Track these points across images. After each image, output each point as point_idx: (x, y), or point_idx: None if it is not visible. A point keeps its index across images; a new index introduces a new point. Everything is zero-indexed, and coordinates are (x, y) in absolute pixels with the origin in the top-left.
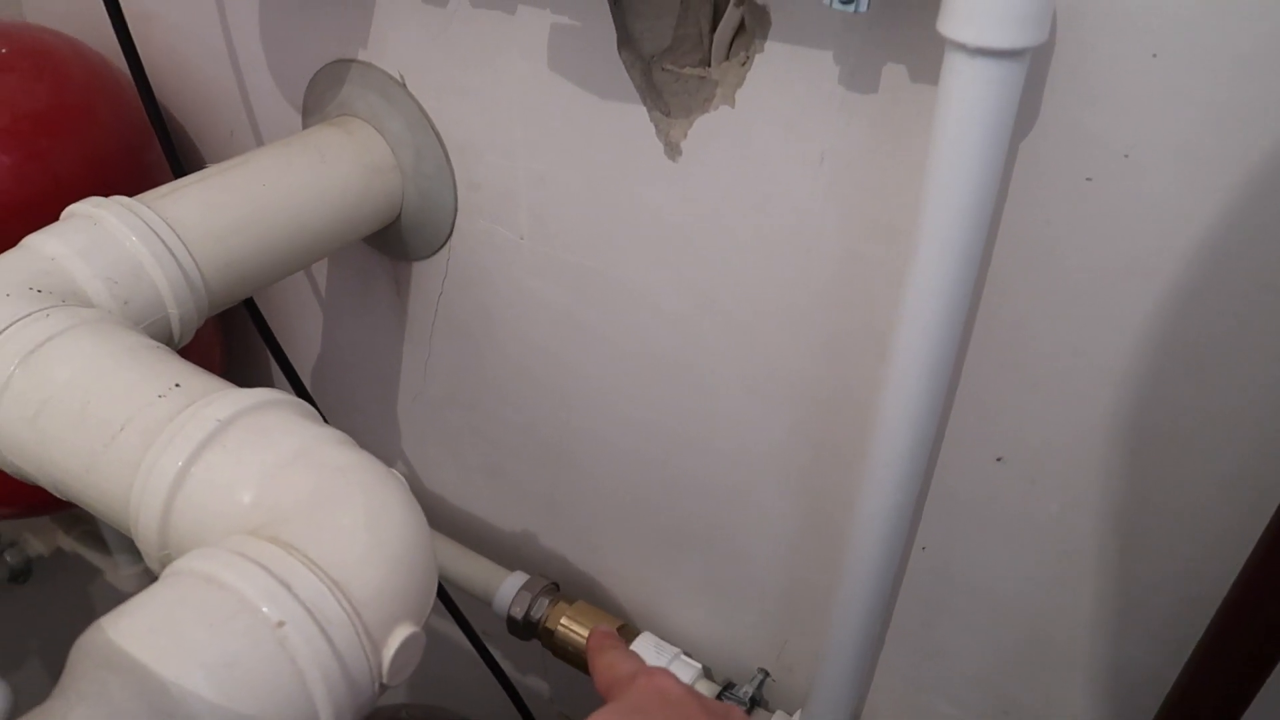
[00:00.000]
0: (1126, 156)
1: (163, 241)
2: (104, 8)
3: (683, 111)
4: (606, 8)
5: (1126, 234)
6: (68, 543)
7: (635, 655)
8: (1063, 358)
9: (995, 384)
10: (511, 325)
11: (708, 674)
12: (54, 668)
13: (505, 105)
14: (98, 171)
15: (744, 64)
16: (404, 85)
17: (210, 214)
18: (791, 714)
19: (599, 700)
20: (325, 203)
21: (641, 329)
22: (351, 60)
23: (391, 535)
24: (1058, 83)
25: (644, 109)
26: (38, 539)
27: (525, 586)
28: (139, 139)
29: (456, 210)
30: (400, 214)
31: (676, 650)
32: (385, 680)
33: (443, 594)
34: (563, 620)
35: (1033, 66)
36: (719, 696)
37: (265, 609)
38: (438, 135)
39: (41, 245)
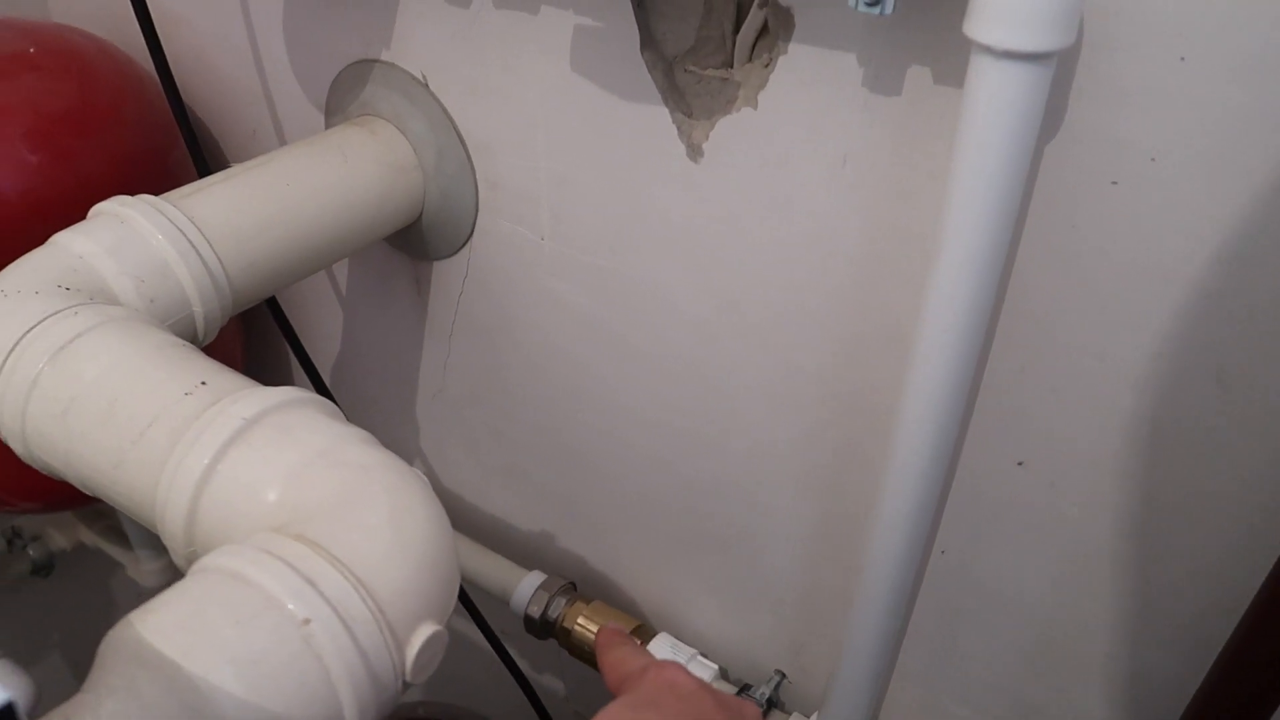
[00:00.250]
0: (1153, 160)
1: (188, 240)
2: (129, 8)
3: (705, 113)
4: (630, 9)
5: (1151, 238)
6: (89, 537)
7: (645, 650)
8: (1085, 361)
9: (1017, 387)
10: (531, 325)
11: (724, 675)
12: (74, 660)
13: (527, 106)
14: (123, 171)
15: (767, 66)
16: (426, 85)
17: (235, 213)
18: (808, 716)
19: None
20: (348, 203)
21: (660, 330)
22: (374, 60)
23: (415, 534)
24: (1084, 85)
25: (666, 110)
26: (60, 533)
27: (543, 586)
28: (164, 138)
29: (477, 210)
30: (422, 213)
31: (693, 651)
32: (408, 678)
33: (460, 592)
34: (579, 620)
35: (1059, 69)
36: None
37: (291, 606)
38: (459, 135)
39: (70, 243)
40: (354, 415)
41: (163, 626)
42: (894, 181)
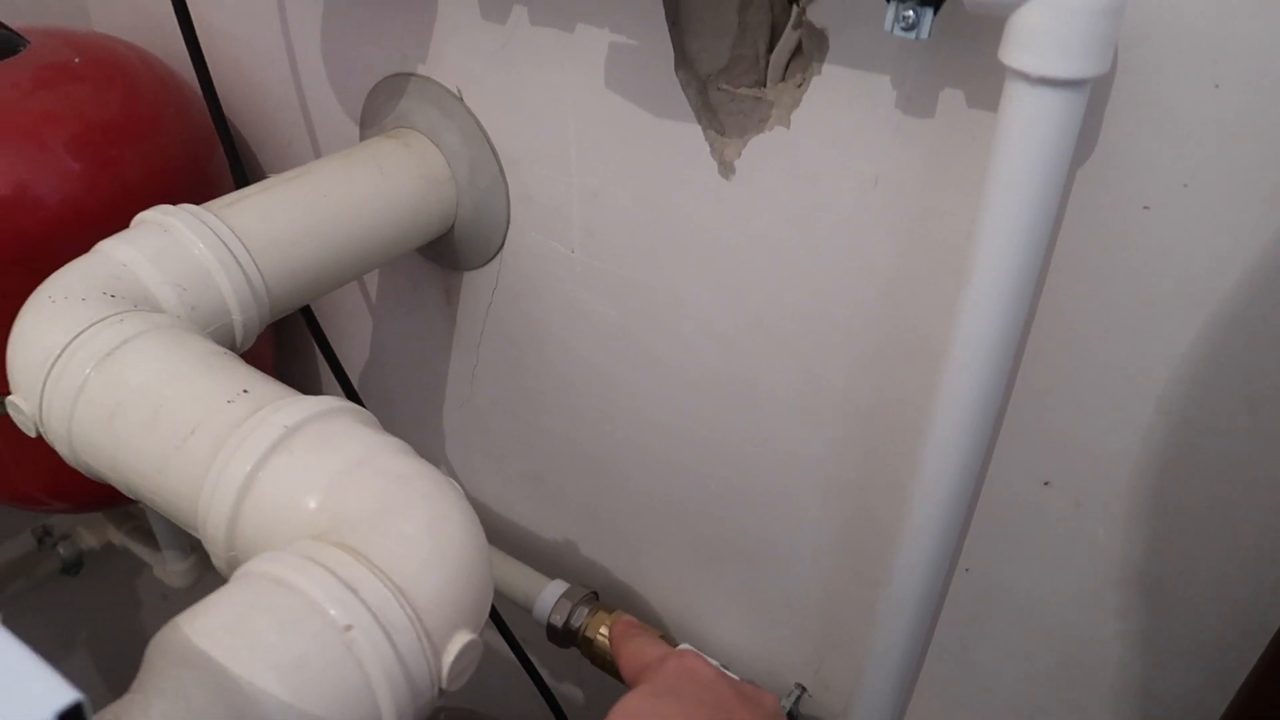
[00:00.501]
0: (1185, 186)
1: (229, 250)
2: (170, 18)
3: (737, 131)
4: (664, 27)
5: (1182, 261)
6: (118, 537)
7: (661, 641)
8: (1114, 381)
9: (1045, 407)
10: (559, 336)
11: None
12: (100, 658)
13: (561, 121)
14: (163, 180)
15: (800, 85)
16: (461, 99)
17: (273, 223)
18: None
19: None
20: (383, 214)
21: (688, 343)
22: (410, 74)
23: (451, 544)
24: (1118, 111)
25: (699, 127)
26: (90, 533)
27: (565, 595)
28: (202, 148)
29: (509, 222)
30: (454, 225)
31: (717, 663)
32: (444, 685)
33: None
34: (601, 630)
35: (1093, 94)
36: None
37: (333, 612)
38: (493, 149)
39: (114, 251)
40: (382, 422)
41: (210, 630)
42: (925, 201)
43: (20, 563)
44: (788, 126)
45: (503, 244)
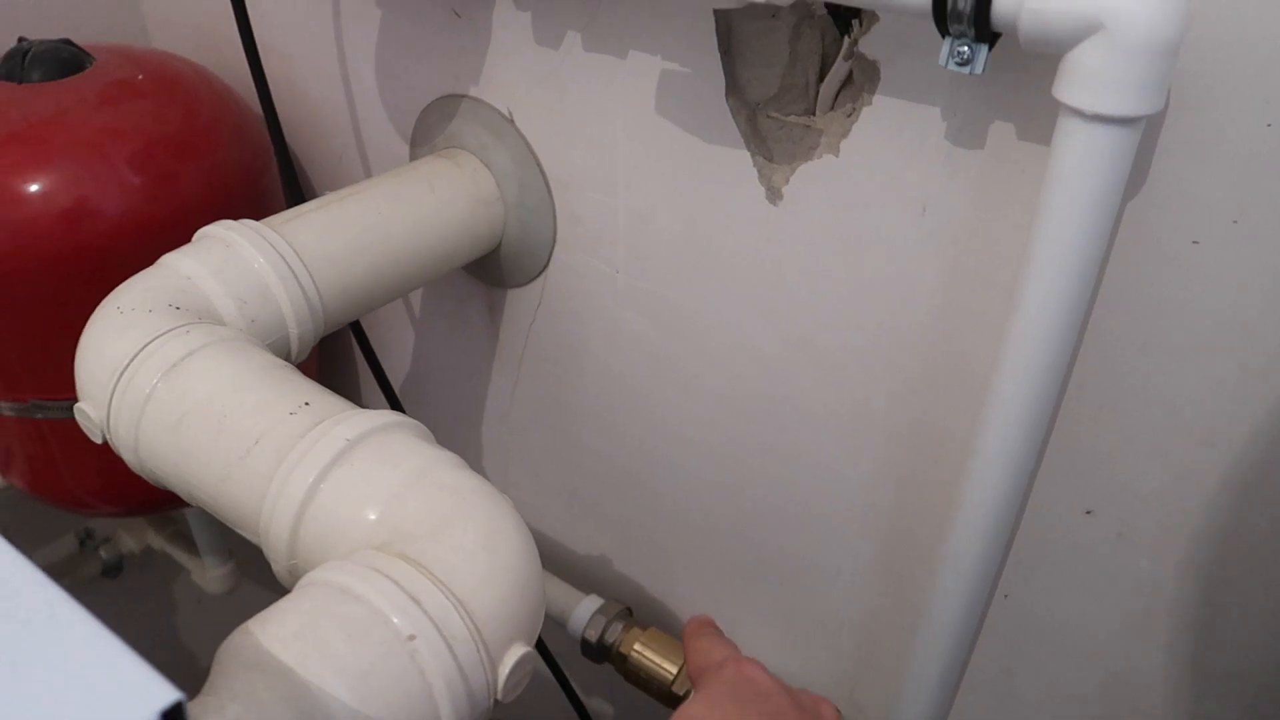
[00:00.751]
0: (1235, 222)
1: (288, 265)
2: (226, 35)
3: (786, 158)
4: (716, 55)
5: (1230, 297)
6: (158, 541)
7: (729, 644)
8: (1158, 415)
9: (1089, 437)
10: (601, 355)
11: None
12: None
13: (610, 144)
14: (219, 194)
15: (850, 115)
16: (512, 121)
17: (330, 240)
18: None
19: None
20: (433, 232)
21: (730, 365)
22: (463, 95)
23: (508, 558)
24: (1169, 147)
25: (747, 154)
26: (130, 536)
27: (600, 610)
28: (257, 163)
29: (554, 242)
30: (500, 243)
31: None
32: (500, 697)
33: None
34: (636, 646)
35: (1146, 130)
36: None
37: (397, 621)
38: (542, 170)
39: (179, 264)
40: None
41: (281, 636)
42: (973, 230)
43: (63, 564)
44: (836, 154)
45: (548, 263)
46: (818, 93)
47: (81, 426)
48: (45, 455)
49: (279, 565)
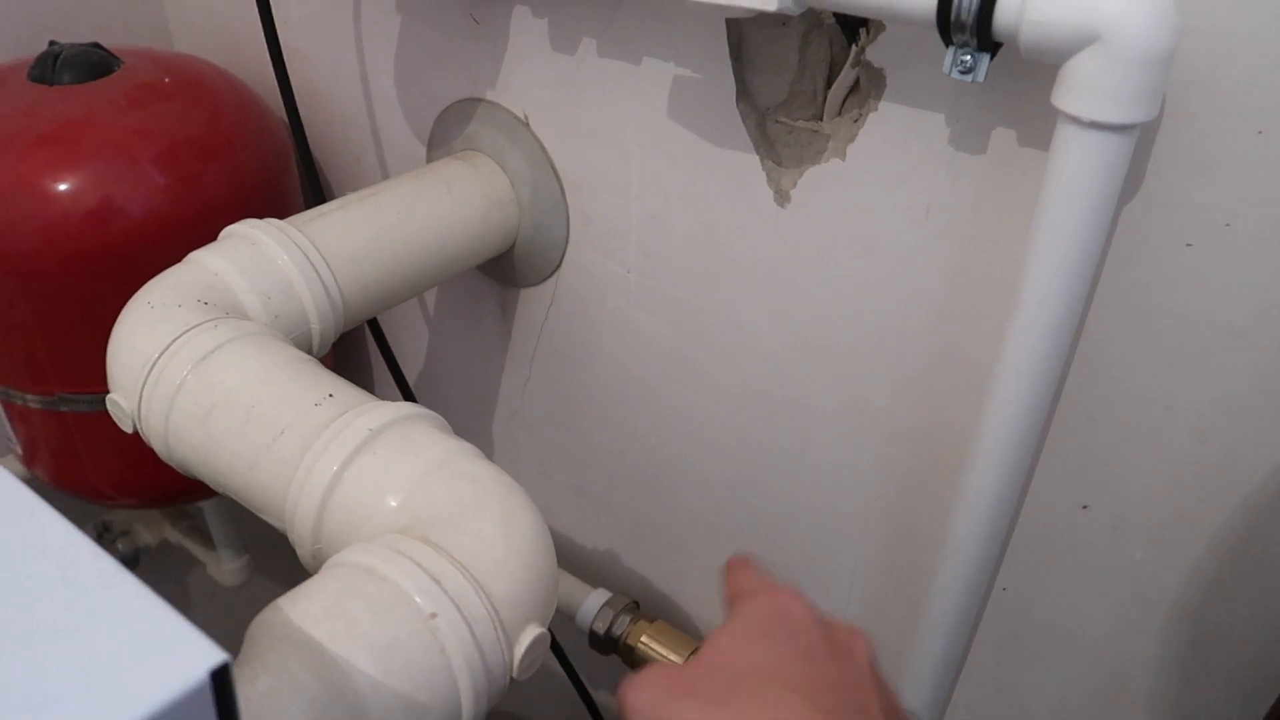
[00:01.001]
0: (1228, 226)
1: (310, 262)
2: (248, 40)
3: (794, 162)
4: (727, 62)
5: (1223, 299)
6: (174, 535)
7: (768, 578)
8: (1154, 413)
9: (1085, 434)
10: (611, 354)
11: None
12: None
13: (623, 147)
14: (242, 194)
15: (856, 121)
16: (527, 125)
17: (350, 239)
18: None
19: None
20: (450, 232)
21: (739, 363)
22: (480, 99)
23: (523, 542)
24: (1163, 153)
25: (756, 158)
26: (147, 530)
27: (608, 604)
28: (278, 164)
29: (567, 242)
30: (515, 244)
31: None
32: (515, 674)
33: None
34: (643, 638)
35: (1141, 137)
36: None
37: (420, 601)
38: (556, 172)
39: (206, 260)
40: None
41: (311, 612)
42: (975, 233)
43: None
44: (843, 159)
45: (560, 263)
46: (825, 99)
47: (113, 416)
48: (69, 448)
49: (304, 550)
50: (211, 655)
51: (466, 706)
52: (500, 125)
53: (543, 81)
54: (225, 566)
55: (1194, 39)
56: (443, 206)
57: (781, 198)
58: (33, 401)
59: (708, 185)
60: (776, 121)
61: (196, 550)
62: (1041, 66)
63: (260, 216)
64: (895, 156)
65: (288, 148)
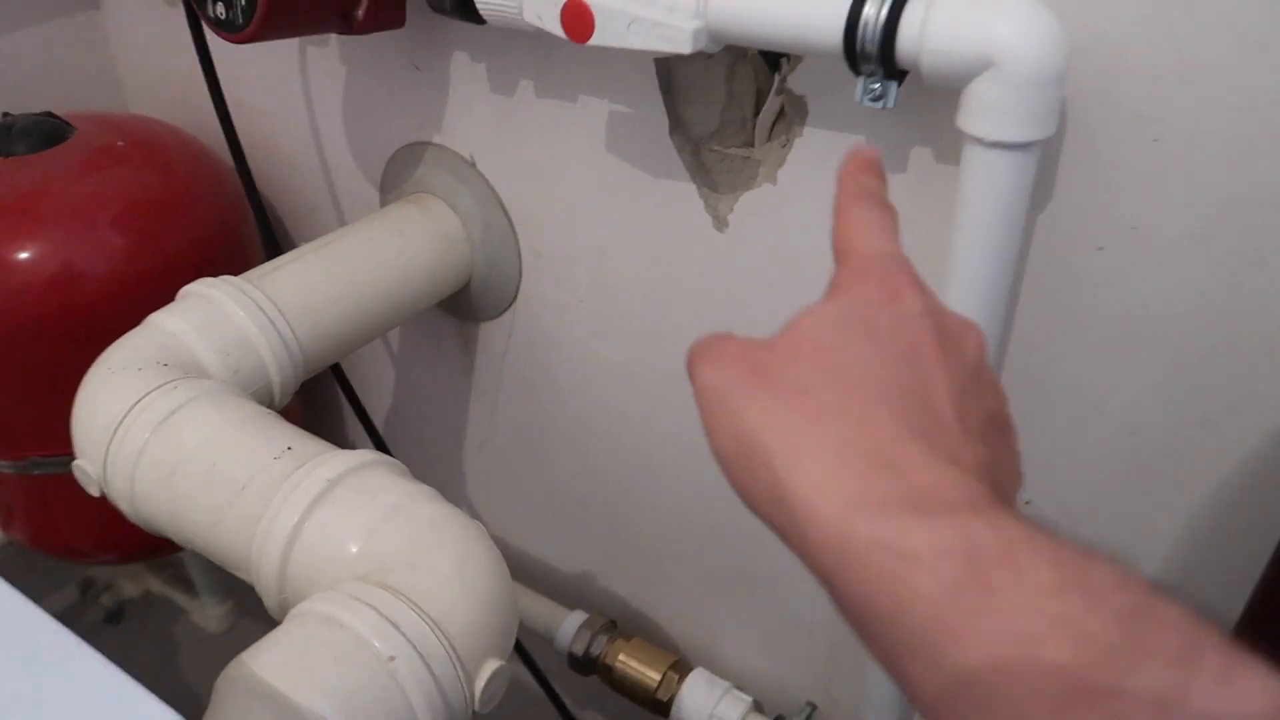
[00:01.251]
0: (1134, 229)
1: (267, 316)
2: (201, 96)
3: (729, 188)
4: (658, 97)
5: (1136, 297)
6: (157, 585)
7: (892, 225)
8: (1083, 408)
9: (1022, 433)
10: (572, 379)
11: (758, 708)
12: None
13: (566, 182)
14: (200, 249)
15: (784, 146)
16: (474, 165)
17: (306, 290)
18: None
19: None
20: (405, 275)
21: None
22: (427, 143)
23: (479, 581)
24: (1069, 164)
25: (693, 186)
26: (130, 583)
27: (585, 624)
28: (235, 217)
29: (521, 276)
30: (470, 280)
31: (728, 684)
32: (476, 708)
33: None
34: (620, 657)
35: (1046, 150)
36: None
37: (379, 645)
38: (504, 210)
39: (164, 322)
40: (407, 464)
41: (273, 663)
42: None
43: (66, 613)
44: (774, 183)
45: (515, 296)
46: (755, 126)
47: (80, 481)
48: (44, 509)
49: (270, 600)
50: None
51: None
52: (448, 167)
53: (486, 123)
54: (210, 613)
55: (1088, 58)
56: (396, 250)
57: (719, 223)
58: (5, 466)
59: (649, 215)
60: (710, 150)
61: (180, 599)
62: (946, 91)
63: (220, 270)
64: (823, 178)
65: (244, 200)
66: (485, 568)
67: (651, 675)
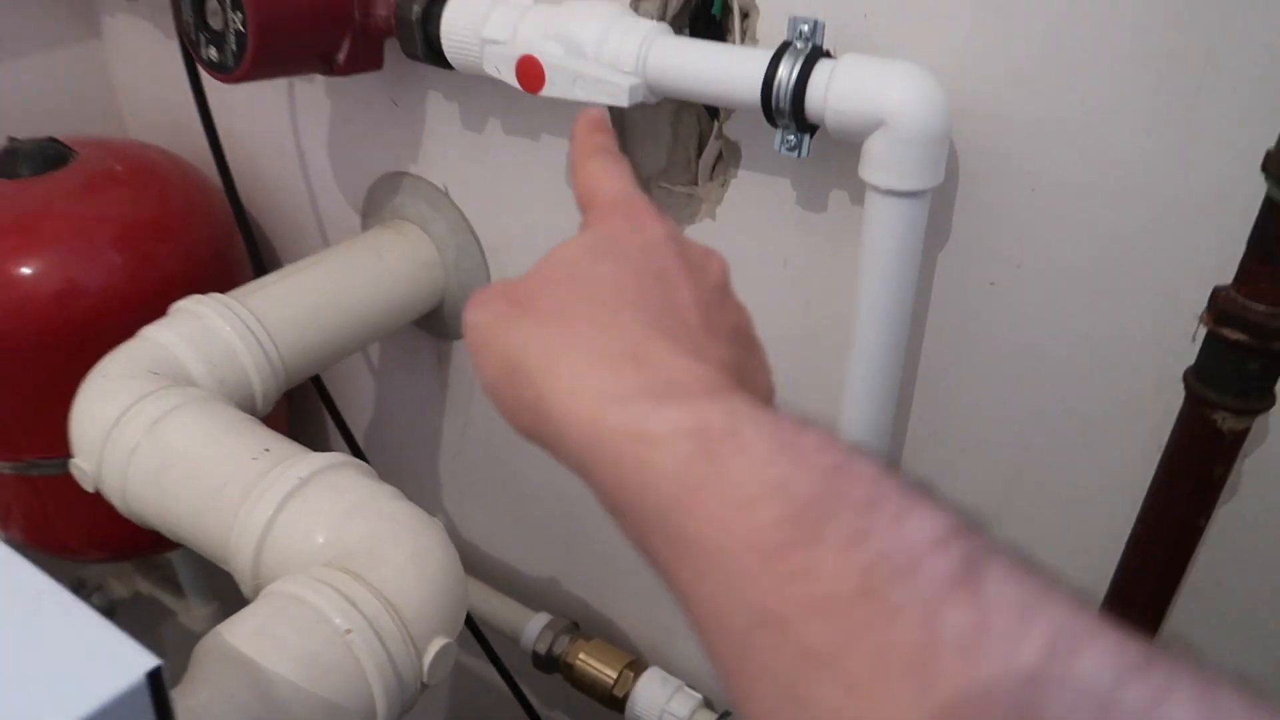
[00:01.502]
0: (1019, 267)
1: (251, 332)
2: (195, 123)
3: (675, 222)
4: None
5: (1023, 326)
6: (145, 586)
7: (627, 173)
8: (984, 427)
9: (934, 450)
10: None
11: (707, 704)
12: None
13: (532, 212)
14: (192, 268)
15: (723, 185)
16: (448, 195)
17: (289, 307)
18: None
19: None
20: (382, 295)
21: None
22: (404, 173)
23: (432, 569)
24: (963, 209)
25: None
26: (119, 583)
27: (548, 625)
28: (225, 237)
29: None
30: (443, 301)
31: (680, 683)
32: (425, 679)
33: (478, 635)
34: (580, 656)
35: (943, 195)
36: None
37: (337, 620)
38: (475, 237)
39: (156, 335)
40: (384, 474)
41: (243, 634)
42: (825, 279)
43: None
44: (714, 218)
45: None
46: (698, 166)
47: (76, 479)
48: (41, 509)
49: (246, 585)
50: (147, 660)
51: (380, 707)
52: (424, 196)
53: (458, 156)
54: (196, 613)
55: (975, 119)
56: (374, 272)
57: None
58: (4, 468)
59: None
60: (659, 187)
61: (168, 600)
62: (850, 144)
63: (210, 287)
64: (755, 215)
65: (234, 223)
66: (438, 558)
67: (609, 673)
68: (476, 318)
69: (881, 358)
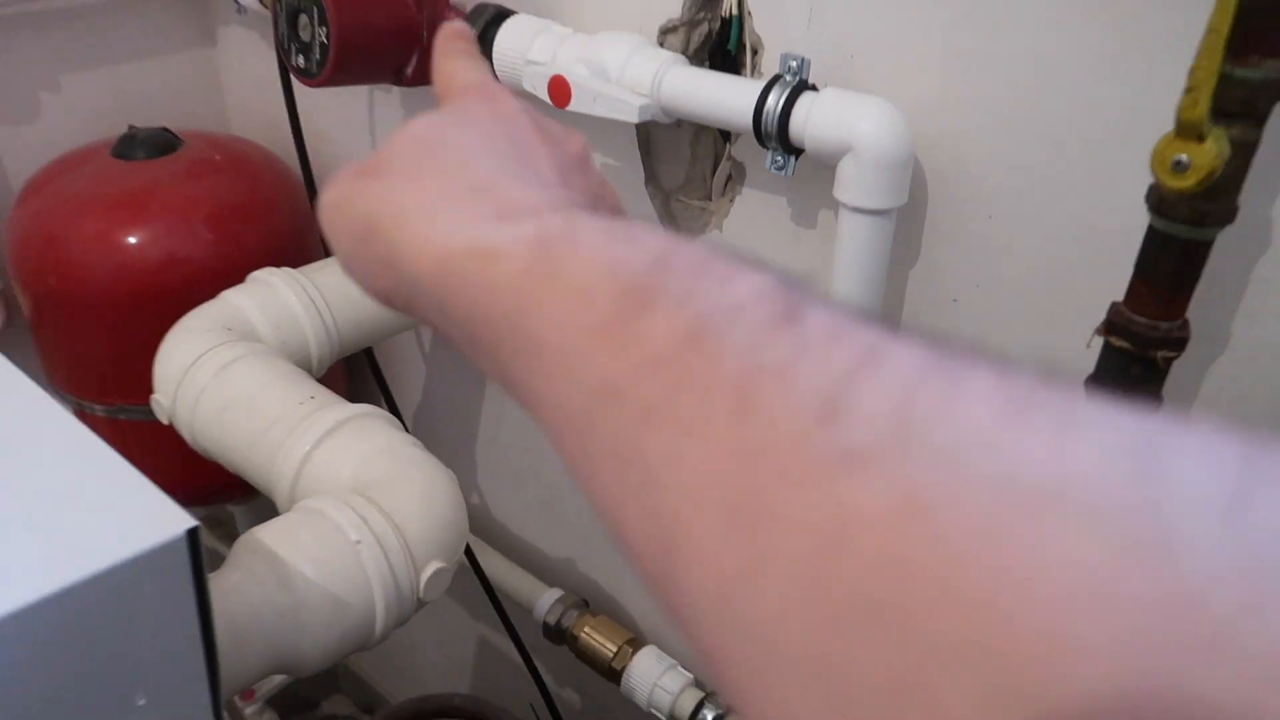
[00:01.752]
0: (977, 286)
1: (313, 302)
2: (286, 124)
3: (689, 232)
4: (638, 154)
5: (985, 340)
6: (210, 540)
7: (484, 68)
8: None
9: None
10: None
11: (697, 684)
12: None
13: None
14: (272, 246)
15: (731, 201)
16: None
17: (348, 285)
18: None
19: (623, 714)
20: None
21: None
22: None
23: (437, 504)
24: (930, 231)
25: (663, 228)
26: None
27: (560, 600)
28: (303, 223)
29: None
30: None
31: (673, 661)
32: (421, 595)
33: (497, 605)
34: (585, 629)
35: (913, 218)
36: (702, 703)
37: (350, 533)
38: None
39: (233, 298)
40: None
41: (273, 535)
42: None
43: None
44: (721, 230)
45: None
46: (712, 184)
47: (155, 412)
48: (124, 451)
49: (283, 508)
50: (185, 520)
51: (379, 609)
52: None
53: None
54: None
55: (940, 149)
56: None
57: None
58: (98, 410)
59: None
60: (677, 200)
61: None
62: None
63: (285, 262)
64: (756, 229)
65: (311, 210)
66: (444, 496)
67: (609, 647)
68: (328, 195)
69: None
